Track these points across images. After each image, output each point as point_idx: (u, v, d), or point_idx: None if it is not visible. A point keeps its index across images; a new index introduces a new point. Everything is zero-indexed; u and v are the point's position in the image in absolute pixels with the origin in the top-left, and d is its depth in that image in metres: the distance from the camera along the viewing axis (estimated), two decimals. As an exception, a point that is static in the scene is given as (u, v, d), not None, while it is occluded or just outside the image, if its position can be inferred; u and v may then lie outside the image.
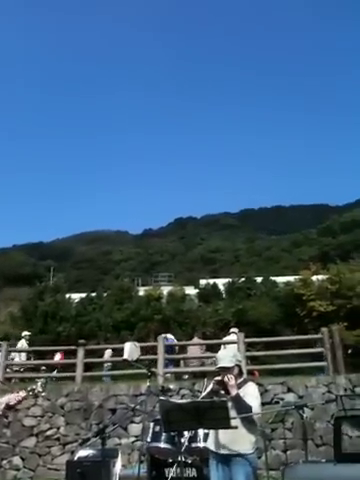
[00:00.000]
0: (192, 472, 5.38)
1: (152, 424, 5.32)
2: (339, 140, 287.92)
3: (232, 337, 12.42)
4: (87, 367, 11.86)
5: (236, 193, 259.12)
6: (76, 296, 33.25)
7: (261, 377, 11.60)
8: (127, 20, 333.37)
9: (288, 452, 8.46)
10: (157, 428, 5.17)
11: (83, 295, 33.67)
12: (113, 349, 14.73)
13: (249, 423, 4.25)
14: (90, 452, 6.68)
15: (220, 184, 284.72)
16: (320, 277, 28.42)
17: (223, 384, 4.35)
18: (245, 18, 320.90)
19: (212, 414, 3.85)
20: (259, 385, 7.46)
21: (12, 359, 14.88)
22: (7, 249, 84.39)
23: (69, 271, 73.99)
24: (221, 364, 4.48)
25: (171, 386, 10.11)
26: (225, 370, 4.42)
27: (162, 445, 5.09)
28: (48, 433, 9.92)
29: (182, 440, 4.75)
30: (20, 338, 15.81)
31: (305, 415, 7.62)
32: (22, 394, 10.34)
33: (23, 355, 14.99)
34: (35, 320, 26.54)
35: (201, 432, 4.93)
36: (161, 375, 10.47)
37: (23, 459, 9.72)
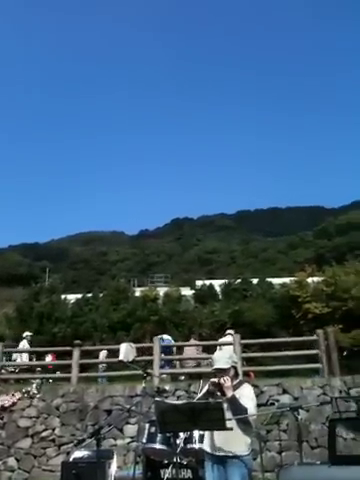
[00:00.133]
0: (187, 473, 5.39)
1: (147, 425, 5.33)
2: (335, 142, 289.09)
3: (228, 338, 12.43)
4: (83, 368, 11.84)
5: (232, 194, 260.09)
6: (72, 297, 33.18)
7: (257, 379, 11.62)
8: (127, 20, 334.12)
9: (283, 454, 8.48)
10: (152, 429, 5.17)
11: (79, 296, 33.60)
12: (109, 350, 14.72)
13: (244, 425, 4.26)
14: (85, 453, 6.67)
15: (216, 185, 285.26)
16: (316, 279, 28.48)
17: (219, 385, 4.37)
18: (245, 18, 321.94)
19: (207, 415, 3.86)
20: (255, 387, 7.49)
21: (14, 360, 14.89)
22: (2, 250, 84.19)
23: (65, 272, 73.77)
24: (217, 365, 4.49)
25: (167, 387, 10.09)
26: (221, 371, 4.44)
27: (157, 446, 5.09)
28: (43, 434, 9.89)
29: (177, 441, 4.76)
30: (21, 338, 15.79)
31: (300, 417, 7.63)
32: (17, 395, 10.31)
33: (25, 356, 14.96)
34: (30, 321, 26.45)
35: (196, 433, 4.94)
36: (157, 376, 10.47)
37: (18, 460, 9.68)
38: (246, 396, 4.37)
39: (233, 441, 4.23)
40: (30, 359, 15.43)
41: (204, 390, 4.57)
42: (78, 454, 6.77)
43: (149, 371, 7.23)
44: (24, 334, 15.95)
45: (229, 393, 4.30)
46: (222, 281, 36.86)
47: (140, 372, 6.58)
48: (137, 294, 33.40)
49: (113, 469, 6.33)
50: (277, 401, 9.46)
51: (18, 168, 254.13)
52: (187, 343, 14.13)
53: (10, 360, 15.27)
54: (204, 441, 4.50)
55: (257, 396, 6.55)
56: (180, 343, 15.76)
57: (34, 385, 10.67)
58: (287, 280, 30.72)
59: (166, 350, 12.34)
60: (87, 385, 10.83)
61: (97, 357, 15.10)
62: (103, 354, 15.21)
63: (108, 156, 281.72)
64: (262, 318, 25.95)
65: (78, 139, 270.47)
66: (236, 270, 53.23)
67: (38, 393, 10.38)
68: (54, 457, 9.54)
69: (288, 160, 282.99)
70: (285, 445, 8.66)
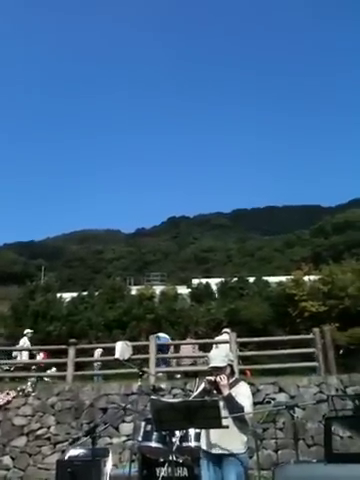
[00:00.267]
0: (183, 471, 5.35)
1: (143, 423, 5.30)
2: (332, 141, 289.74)
3: (224, 337, 12.41)
4: (78, 366, 11.80)
5: (229, 193, 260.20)
6: (67, 295, 33.17)
7: (253, 377, 11.60)
8: (127, 20, 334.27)
9: (279, 452, 8.46)
10: (148, 427, 5.14)
11: (74, 294, 33.61)
12: (104, 348, 14.69)
13: (241, 423, 4.24)
14: (81, 451, 6.63)
15: (213, 184, 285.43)
16: (312, 277, 28.56)
17: (215, 384, 4.34)
18: (245, 18, 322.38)
19: (203, 413, 3.83)
20: (251, 385, 7.45)
21: (15, 357, 14.85)
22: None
23: (60, 270, 73.75)
24: (213, 364, 4.47)
25: (163, 385, 10.07)
26: (217, 370, 4.42)
27: (153, 444, 5.06)
28: (38, 432, 9.85)
29: (173, 439, 4.74)
30: (22, 336, 15.74)
31: (296, 415, 7.63)
32: (12, 394, 10.26)
33: (25, 354, 14.91)
34: (25, 319, 26.41)
35: (192, 431, 4.91)
36: (153, 374, 10.43)
37: (13, 459, 9.64)
38: (242, 394, 4.35)
39: (229, 439, 4.20)
40: (32, 357, 15.40)
41: (200, 388, 4.55)
42: (73, 452, 6.72)
43: (145, 369, 7.20)
44: (25, 331, 15.92)
45: (225, 391, 4.28)
46: (218, 279, 36.95)
47: (136, 370, 6.54)
48: (133, 292, 33.43)
49: (108, 467, 6.29)
50: (273, 399, 9.44)
51: (14, 167, 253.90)
52: (183, 341, 14.10)
53: (9, 358, 15.23)
54: (201, 439, 4.48)
55: (253, 394, 6.52)
56: (176, 342, 15.74)
57: (29, 383, 10.63)
58: (284, 278, 30.80)
59: (162, 348, 12.31)
60: (83, 383, 10.78)
61: (92, 355, 15.06)
62: (98, 352, 15.17)
63: (106, 155, 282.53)
64: (258, 316, 26.00)
65: (77, 139, 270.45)
66: (232, 269, 53.35)
67: (33, 391, 10.34)
68: (49, 455, 9.49)
69: (285, 159, 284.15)
70: (281, 443, 8.64)
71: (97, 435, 4.97)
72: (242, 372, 11.23)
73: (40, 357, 15.70)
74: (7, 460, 9.64)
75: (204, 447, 4.37)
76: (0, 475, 9.42)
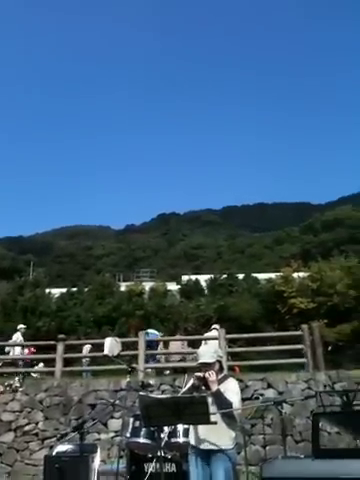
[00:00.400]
0: (171, 467, 5.35)
1: (132, 419, 5.28)
2: (323, 139, 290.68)
3: (213, 333, 12.43)
4: (67, 362, 11.75)
5: (219, 190, 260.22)
6: (56, 291, 33.06)
7: (242, 373, 11.65)
8: (127, 20, 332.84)
9: (267, 448, 8.51)
10: (137, 423, 5.13)
11: (63, 290, 33.50)
12: (93, 344, 14.65)
13: (229, 419, 4.25)
14: (69, 447, 6.59)
15: (203, 181, 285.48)
16: (301, 274, 28.71)
17: (204, 380, 4.34)
18: (245, 18, 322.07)
19: (192, 409, 3.82)
20: (240, 381, 7.48)
21: (8, 353, 14.76)
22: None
23: (49, 266, 73.40)
24: (202, 360, 4.46)
25: (151, 381, 10.07)
26: (206, 366, 4.41)
27: (142, 440, 5.05)
28: (26, 428, 9.81)
29: (162, 435, 4.73)
30: (15, 331, 15.64)
31: (284, 411, 7.65)
32: (0, 389, 10.20)
33: (17, 349, 14.82)
34: (14, 315, 26.31)
35: (181, 427, 4.91)
36: (142, 370, 10.43)
37: (1, 454, 9.59)
38: (231, 390, 4.36)
39: (218, 435, 4.21)
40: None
41: (189, 384, 4.55)
42: (61, 448, 6.68)
43: (134, 365, 7.18)
44: (18, 327, 15.82)
45: (214, 387, 4.28)
46: (208, 276, 36.99)
47: (125, 366, 6.51)
48: (123, 289, 33.39)
49: (96, 463, 6.26)
50: (262, 395, 9.49)
51: (17, 168, 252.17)
52: (172, 338, 14.11)
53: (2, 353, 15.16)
54: (189, 435, 4.48)
55: (242, 390, 6.54)
56: (166, 338, 15.75)
57: (16, 379, 10.58)
58: (273, 275, 30.93)
59: (151, 344, 12.31)
60: (71, 379, 10.76)
61: (81, 351, 15.01)
62: (86, 348, 15.13)
63: (103, 154, 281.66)
64: (248, 313, 26.11)
65: (77, 139, 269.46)
66: (222, 265, 53.44)
67: (21, 387, 10.28)
68: (37, 451, 9.46)
69: (275, 156, 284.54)
70: (269, 439, 8.69)
71: (85, 431, 4.94)
72: (231, 368, 11.27)
73: (25, 352, 15.60)
74: (-6, 456, 9.59)
75: (193, 443, 4.37)
76: (-13, 471, 9.38)
